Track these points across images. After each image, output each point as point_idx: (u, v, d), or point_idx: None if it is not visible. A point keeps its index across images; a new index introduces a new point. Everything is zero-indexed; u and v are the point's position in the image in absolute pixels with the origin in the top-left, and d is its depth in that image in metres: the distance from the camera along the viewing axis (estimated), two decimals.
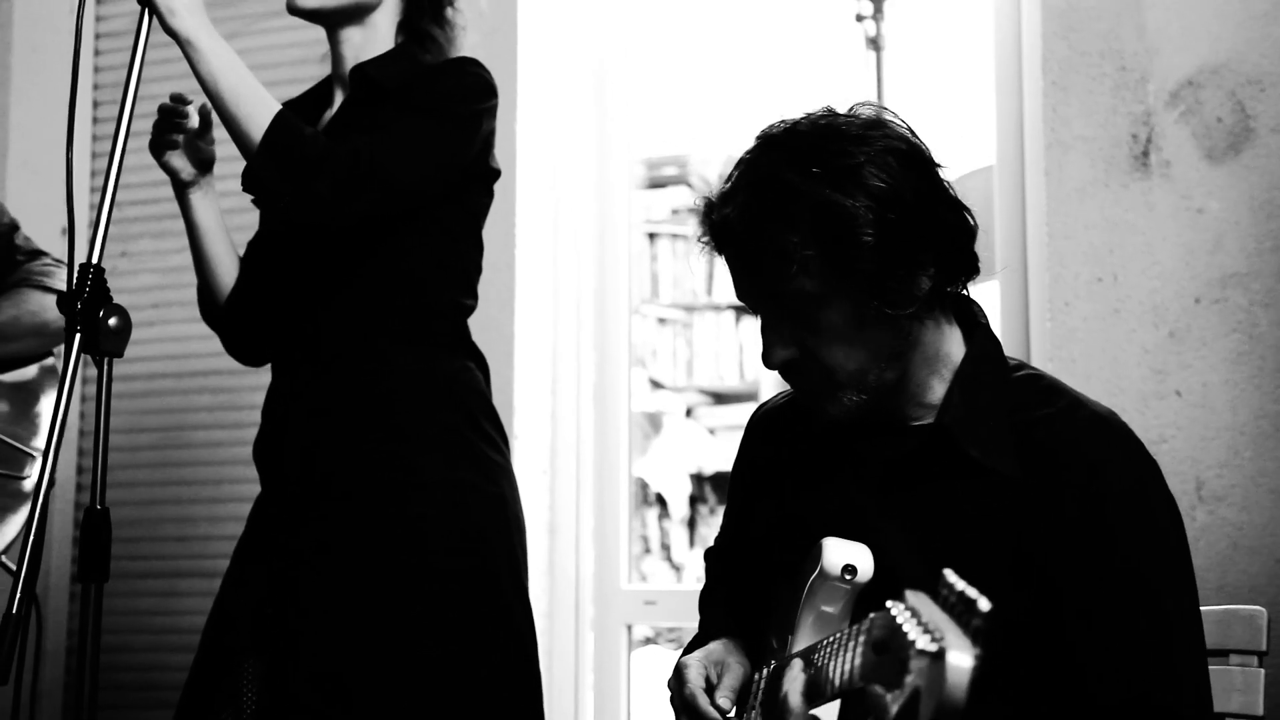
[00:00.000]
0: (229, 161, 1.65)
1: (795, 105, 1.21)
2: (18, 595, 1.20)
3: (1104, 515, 1.12)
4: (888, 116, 1.18)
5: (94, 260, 1.32)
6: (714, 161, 3.96)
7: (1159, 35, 1.91)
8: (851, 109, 1.19)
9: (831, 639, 1.02)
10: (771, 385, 4.04)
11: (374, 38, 1.62)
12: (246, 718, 1.51)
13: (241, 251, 1.72)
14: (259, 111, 1.45)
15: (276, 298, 1.65)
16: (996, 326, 2.08)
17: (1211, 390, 1.84)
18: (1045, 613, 1.11)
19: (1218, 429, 1.84)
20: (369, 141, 1.47)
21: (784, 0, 3.23)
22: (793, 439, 1.30)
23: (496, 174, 1.64)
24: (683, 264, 4.22)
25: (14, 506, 1.82)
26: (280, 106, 1.48)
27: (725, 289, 4.28)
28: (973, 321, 1.23)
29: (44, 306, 1.87)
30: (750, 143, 1.20)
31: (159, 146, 1.62)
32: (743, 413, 4.14)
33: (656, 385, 4.28)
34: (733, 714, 1.20)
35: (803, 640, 1.13)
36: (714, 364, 4.25)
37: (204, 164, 1.64)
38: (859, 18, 3.35)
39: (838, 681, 0.95)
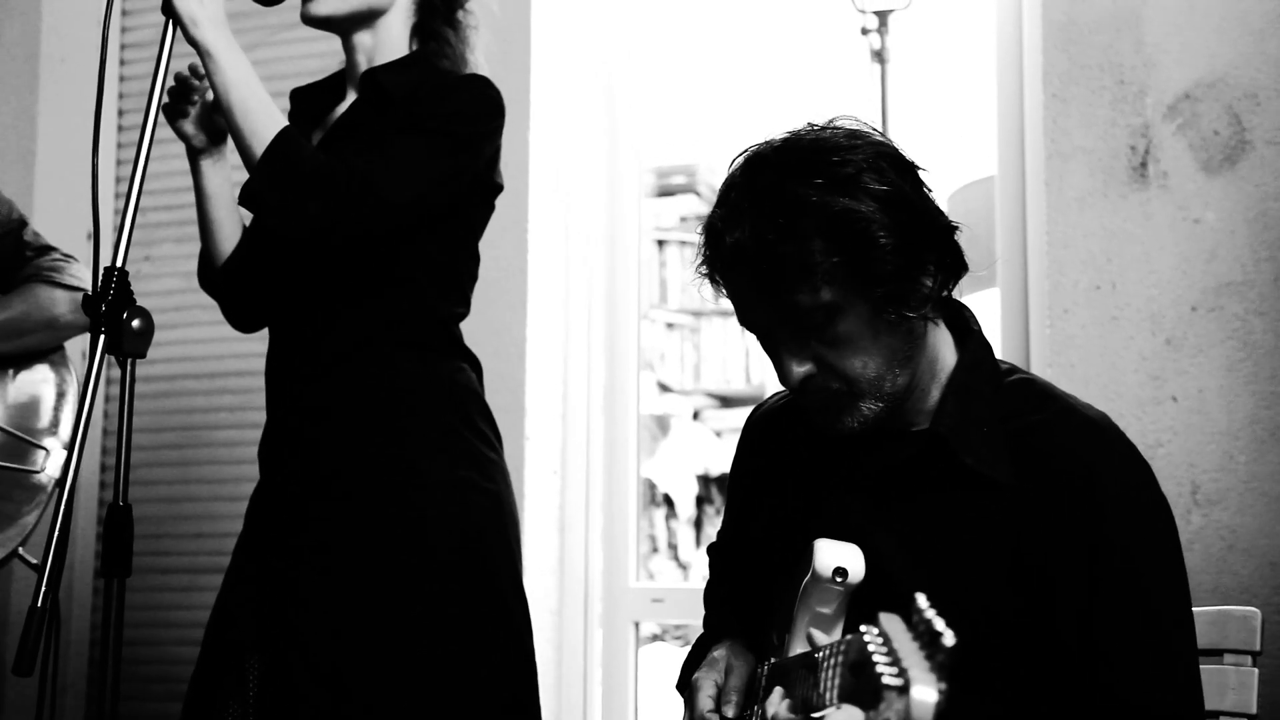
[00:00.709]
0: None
1: (802, 116, 1.19)
2: (42, 589, 1.21)
3: (1098, 519, 1.12)
4: (861, 126, 1.18)
5: (118, 264, 1.33)
6: (722, 170, 4.00)
7: (1157, 50, 1.93)
8: (829, 121, 1.18)
9: (818, 654, 1.02)
10: (776, 388, 4.06)
11: (388, 40, 1.62)
12: (252, 712, 1.51)
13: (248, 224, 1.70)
14: (265, 127, 1.45)
15: (273, 282, 1.63)
16: (997, 332, 2.12)
17: (1207, 396, 1.86)
18: (1041, 617, 1.12)
19: (1213, 434, 1.85)
20: (366, 161, 1.47)
21: (791, 14, 3.25)
22: (790, 441, 1.30)
23: (499, 189, 1.63)
24: (691, 270, 4.25)
25: (29, 499, 1.83)
26: (286, 124, 1.48)
27: None
28: (964, 327, 1.23)
29: (54, 301, 1.87)
30: (734, 166, 1.18)
31: (173, 113, 1.62)
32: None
33: (664, 388, 4.32)
34: (733, 716, 1.21)
35: (799, 639, 1.14)
36: (721, 368, 4.28)
37: (216, 134, 1.64)
38: (864, 31, 3.36)
39: (826, 698, 0.95)
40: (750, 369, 4.24)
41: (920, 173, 1.18)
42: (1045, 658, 1.12)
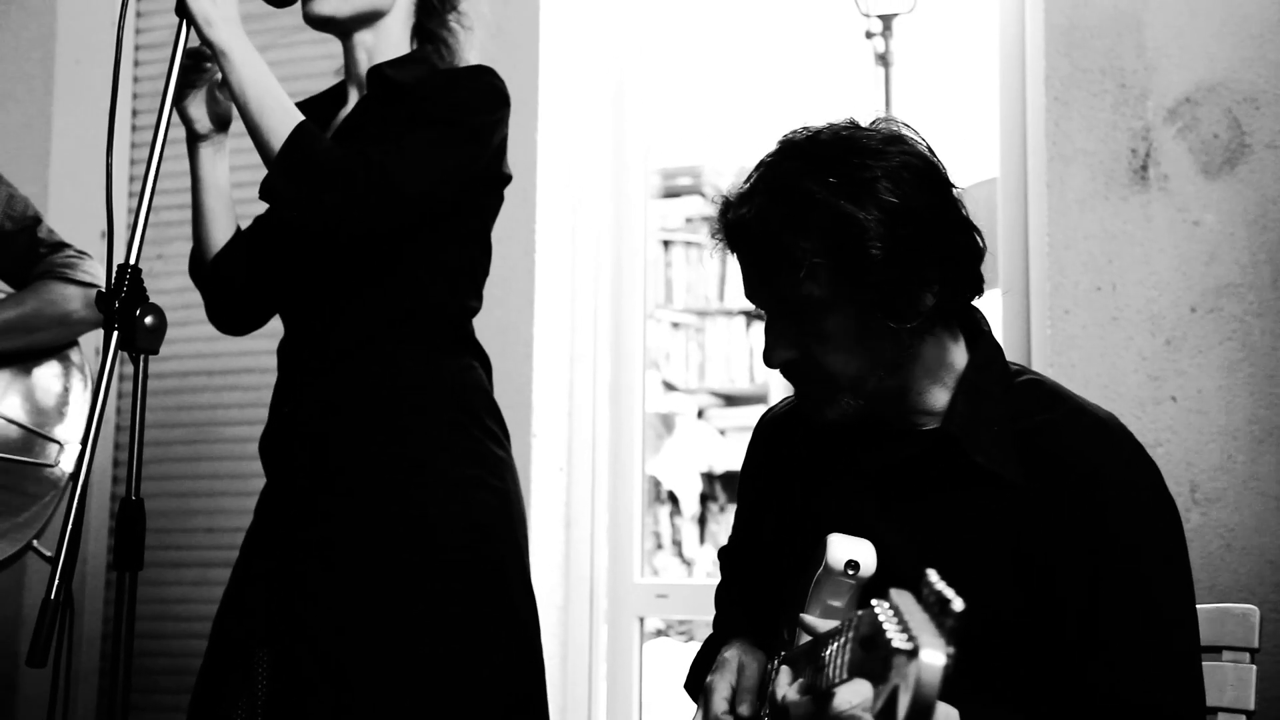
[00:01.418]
0: (243, 158, 1.68)
1: (806, 119, 1.21)
2: (56, 582, 1.22)
3: (1105, 518, 1.13)
4: (908, 133, 1.18)
5: (131, 261, 1.35)
6: (727, 172, 4.02)
7: (1158, 54, 1.94)
8: (874, 123, 1.19)
9: (827, 634, 1.03)
10: (781, 389, 4.09)
11: (388, 40, 1.62)
12: (260, 706, 1.51)
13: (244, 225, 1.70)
14: (281, 122, 1.46)
15: (276, 284, 1.64)
16: (998, 333, 2.11)
17: (1206, 396, 1.86)
18: (1047, 615, 1.13)
19: (1212, 434, 1.86)
20: (380, 153, 1.47)
21: (796, 17, 3.27)
22: (799, 443, 1.31)
23: (507, 179, 1.63)
24: (696, 271, 4.27)
25: (43, 493, 1.84)
26: (302, 118, 1.49)
27: (737, 295, 4.33)
28: (975, 330, 1.24)
29: (67, 297, 1.88)
30: (771, 146, 1.19)
31: (181, 89, 1.59)
32: (752, 414, 4.19)
33: (670, 387, 4.34)
34: (748, 714, 1.22)
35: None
36: (725, 367, 4.30)
37: (221, 120, 1.64)
38: (868, 35, 3.37)
39: (834, 675, 0.96)
40: (755, 368, 4.26)
41: (953, 189, 1.18)
42: (1050, 655, 1.13)
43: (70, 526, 1.25)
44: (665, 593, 2.41)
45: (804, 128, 1.19)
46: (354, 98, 1.66)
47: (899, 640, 0.77)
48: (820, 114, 1.22)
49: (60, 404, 1.92)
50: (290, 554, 1.53)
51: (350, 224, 1.48)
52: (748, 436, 1.42)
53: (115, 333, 1.33)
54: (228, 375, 2.51)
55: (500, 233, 1.68)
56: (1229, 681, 1.32)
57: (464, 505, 1.53)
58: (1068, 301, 1.95)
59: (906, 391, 1.20)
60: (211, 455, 2.52)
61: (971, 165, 2.21)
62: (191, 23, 1.47)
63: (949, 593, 0.79)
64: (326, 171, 1.46)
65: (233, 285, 1.68)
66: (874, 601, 0.84)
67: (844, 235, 1.11)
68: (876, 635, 0.82)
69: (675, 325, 4.35)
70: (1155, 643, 1.13)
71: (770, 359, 1.20)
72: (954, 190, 1.18)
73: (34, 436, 1.88)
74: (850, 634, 0.94)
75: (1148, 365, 1.91)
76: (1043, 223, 1.99)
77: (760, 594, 1.32)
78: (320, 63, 2.26)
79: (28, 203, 1.98)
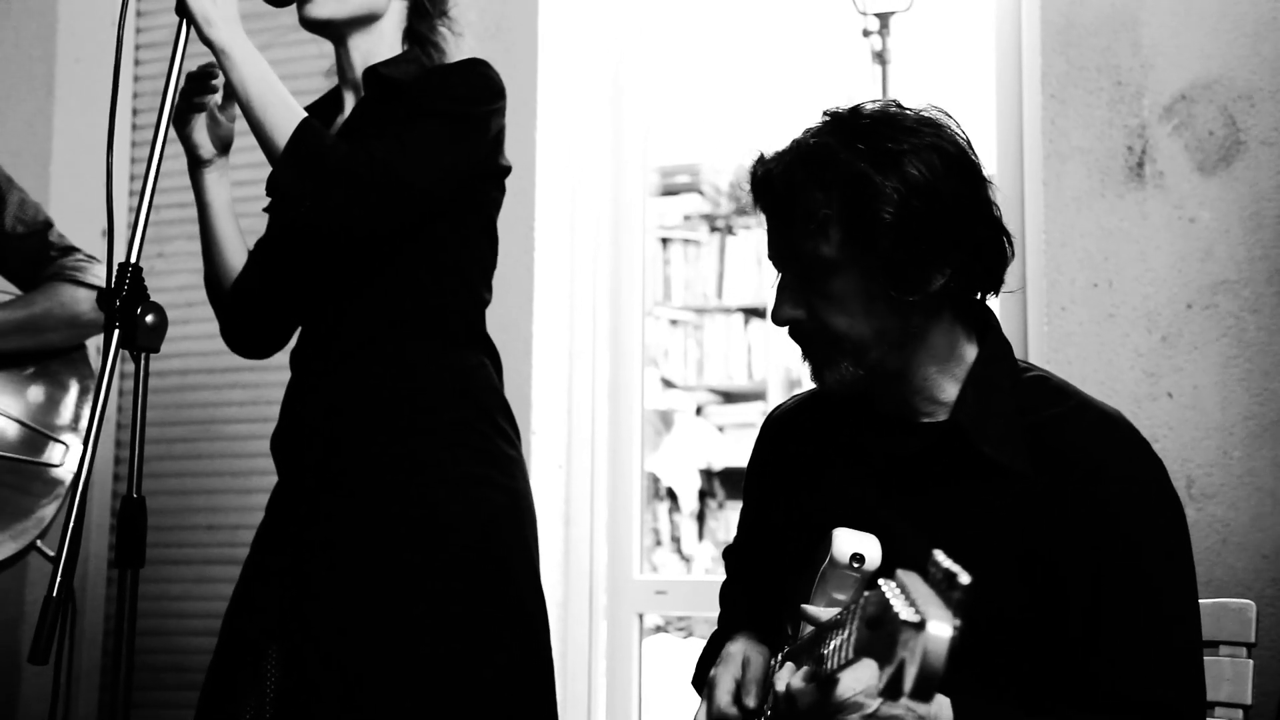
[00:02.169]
0: (243, 157, 1.70)
1: (803, 117, 1.23)
2: (57, 580, 1.23)
3: (1110, 512, 1.14)
4: (948, 122, 1.20)
5: (132, 260, 1.36)
6: (725, 170, 4.04)
7: (1154, 51, 1.94)
8: (918, 108, 1.21)
9: (831, 624, 1.03)
10: (778, 385, 4.10)
11: (381, 43, 1.63)
12: (269, 703, 1.51)
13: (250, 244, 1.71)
14: (285, 119, 1.47)
15: (290, 294, 1.64)
16: None
17: (1202, 392, 1.87)
18: (1052, 607, 1.14)
19: (1208, 429, 1.87)
20: (383, 148, 1.48)
21: (794, 16, 3.28)
22: (805, 439, 1.32)
23: (507, 170, 1.64)
24: (694, 268, 4.29)
25: (48, 492, 1.86)
26: (306, 115, 1.49)
27: (735, 292, 4.35)
28: (986, 327, 1.25)
29: (76, 299, 1.91)
30: (799, 131, 1.23)
31: (184, 116, 1.62)
32: (750, 411, 4.22)
33: (668, 384, 4.35)
34: (754, 705, 1.23)
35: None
36: (723, 364, 4.32)
37: (223, 143, 1.66)
38: (866, 33, 3.39)
39: (839, 659, 0.97)
40: (753, 365, 4.27)
41: (987, 185, 1.20)
42: (1054, 648, 1.14)
43: (71, 524, 1.26)
44: (664, 589, 2.41)
45: (850, 103, 1.23)
46: (350, 102, 1.66)
47: (906, 614, 0.78)
48: (817, 112, 1.24)
49: (67, 405, 1.94)
50: (300, 552, 1.54)
51: (358, 220, 1.48)
52: (746, 433, 1.45)
53: (116, 331, 1.34)
54: (228, 374, 2.52)
55: (500, 230, 1.69)
56: (1226, 676, 1.33)
57: (472, 504, 1.53)
58: (1064, 298, 1.96)
59: (911, 376, 1.22)
60: (212, 454, 2.53)
61: None
62: (191, 22, 1.47)
63: (956, 567, 0.79)
64: (333, 169, 1.47)
65: (253, 307, 1.69)
66: (881, 581, 0.85)
67: (857, 195, 1.14)
68: (883, 612, 0.82)
69: (674, 322, 4.37)
70: (1158, 638, 1.14)
71: (778, 315, 1.22)
72: (987, 187, 1.20)
73: (39, 436, 1.89)
74: (857, 616, 0.94)
75: (1144, 361, 1.92)
76: (1039, 220, 2.00)
77: (765, 591, 1.33)
78: (319, 61, 2.26)
79: (39, 207, 2.00)
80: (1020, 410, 1.20)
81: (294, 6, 1.62)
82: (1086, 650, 1.14)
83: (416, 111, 1.53)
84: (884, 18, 3.37)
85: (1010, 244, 1.23)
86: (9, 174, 2.01)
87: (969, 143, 1.21)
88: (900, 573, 0.84)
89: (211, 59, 1.53)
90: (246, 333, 1.73)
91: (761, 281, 4.26)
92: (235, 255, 1.69)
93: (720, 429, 4.37)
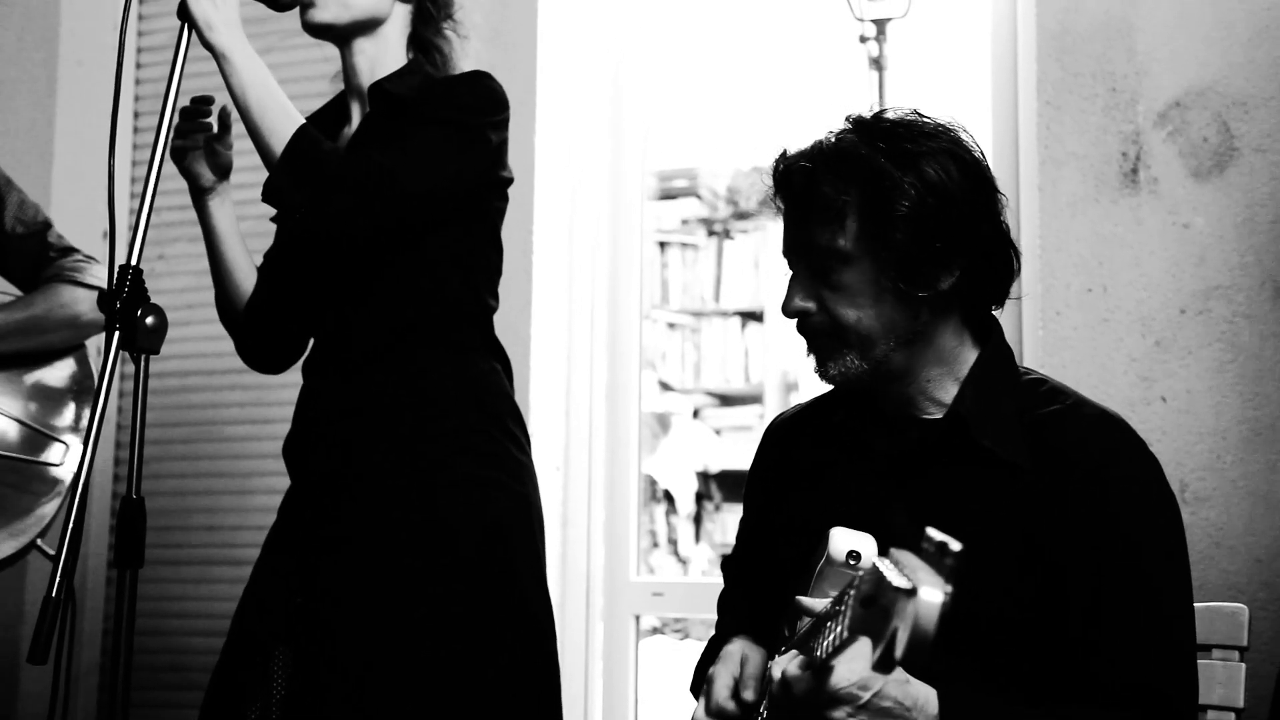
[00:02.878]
0: (246, 171, 1.71)
1: (801, 123, 1.27)
2: (57, 580, 1.23)
3: (1108, 507, 1.16)
4: (964, 135, 1.25)
5: (133, 262, 1.37)
6: (722, 174, 4.06)
7: (1148, 58, 1.95)
8: (939, 118, 1.25)
9: (825, 614, 1.04)
10: (775, 388, 4.11)
11: (385, 49, 1.64)
12: (276, 705, 1.52)
13: (258, 262, 1.72)
14: (283, 125, 1.47)
15: (301, 303, 1.64)
16: None
17: (1196, 397, 1.88)
18: (1050, 601, 1.16)
19: (1201, 434, 1.87)
20: (385, 155, 1.49)
21: (791, 23, 3.29)
22: (806, 443, 1.34)
23: (509, 181, 1.65)
24: (692, 272, 4.30)
25: (48, 492, 1.87)
26: (304, 121, 1.50)
27: (732, 296, 4.36)
28: (989, 335, 1.28)
29: (76, 300, 1.91)
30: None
31: (181, 150, 1.64)
32: (747, 414, 4.23)
33: (665, 387, 4.36)
34: (752, 699, 1.24)
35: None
36: (721, 367, 4.33)
37: (223, 170, 1.67)
38: (862, 39, 3.40)
39: (833, 642, 0.97)
40: (750, 368, 4.28)
41: (998, 199, 1.23)
42: (1052, 642, 1.16)
43: (71, 524, 1.26)
44: (661, 591, 2.42)
45: (873, 110, 1.27)
46: (356, 111, 1.67)
47: (899, 582, 0.80)
48: (814, 118, 1.28)
49: (67, 405, 1.94)
50: (312, 555, 1.54)
51: (358, 225, 1.49)
52: (743, 436, 1.45)
53: (116, 332, 1.34)
54: (228, 375, 2.52)
55: None
56: (1218, 680, 1.33)
57: (479, 507, 1.53)
58: (1059, 303, 1.97)
59: (915, 376, 1.24)
60: (212, 454, 2.53)
61: None
62: (193, 26, 1.48)
63: (947, 538, 0.81)
64: (331, 174, 1.48)
65: (266, 322, 1.70)
66: (875, 559, 0.87)
67: (877, 188, 1.18)
68: (877, 586, 0.84)
69: (671, 326, 4.38)
70: (1156, 634, 1.15)
71: (788, 307, 1.25)
72: (998, 197, 1.24)
73: (39, 436, 1.90)
74: (852, 598, 0.95)
75: (1138, 366, 1.92)
76: (1035, 225, 2.00)
77: (764, 595, 1.33)
78: (320, 66, 2.27)
79: (38, 208, 2.01)
80: (1019, 409, 1.22)
81: (297, 11, 1.64)
82: (1083, 645, 1.15)
83: (420, 121, 1.54)
84: (881, 24, 3.39)
85: (1017, 257, 1.26)
86: (9, 175, 2.01)
87: (984, 155, 1.24)
88: (894, 550, 0.85)
89: (206, 79, 1.55)
90: (262, 348, 1.74)
91: (759, 285, 4.27)
92: (245, 278, 1.70)
93: (717, 432, 4.38)
